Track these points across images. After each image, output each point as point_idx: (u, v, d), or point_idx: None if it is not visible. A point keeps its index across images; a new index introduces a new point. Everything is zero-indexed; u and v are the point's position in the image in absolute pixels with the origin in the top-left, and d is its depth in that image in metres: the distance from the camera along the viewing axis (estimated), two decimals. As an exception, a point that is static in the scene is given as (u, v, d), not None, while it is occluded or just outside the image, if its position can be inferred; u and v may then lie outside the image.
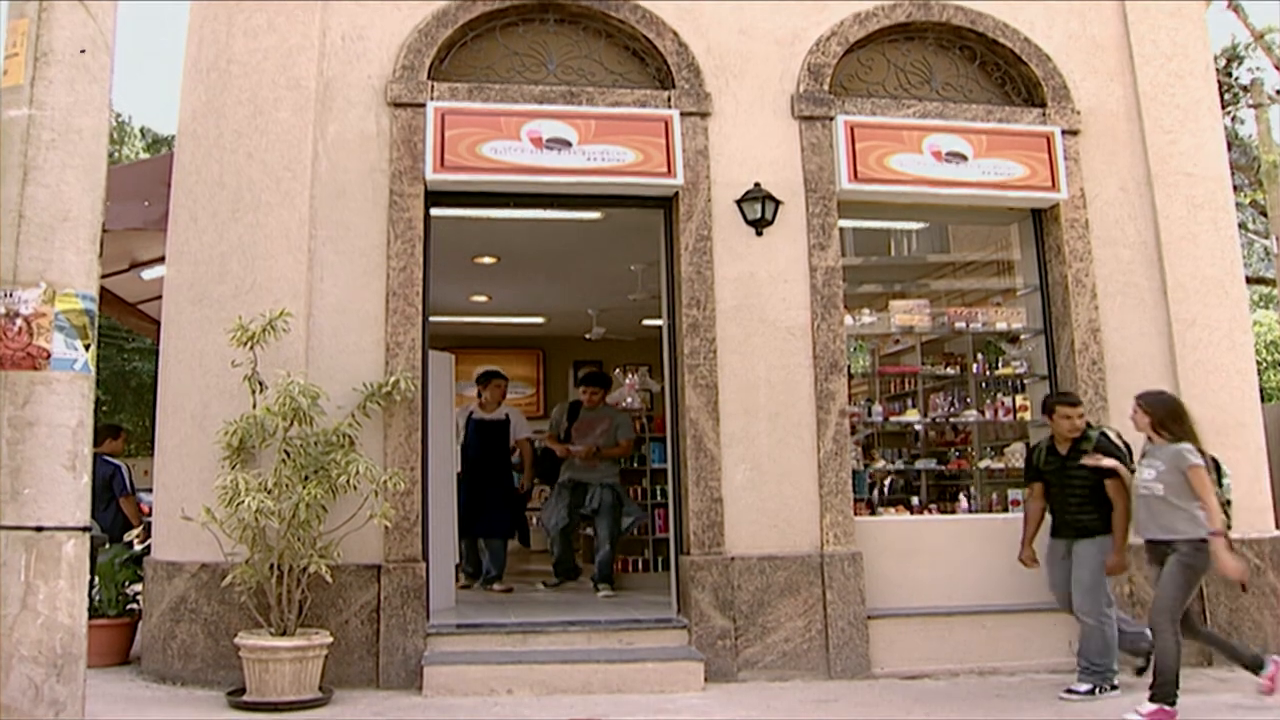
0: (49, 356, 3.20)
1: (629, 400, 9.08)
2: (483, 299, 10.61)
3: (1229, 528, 5.13)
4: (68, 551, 3.18)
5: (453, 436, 7.70)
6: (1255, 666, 5.33)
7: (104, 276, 8.49)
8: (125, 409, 24.72)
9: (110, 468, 7.56)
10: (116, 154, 24.16)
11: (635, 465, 8.74)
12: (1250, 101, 16.07)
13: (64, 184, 3.24)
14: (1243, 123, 16.97)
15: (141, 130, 25.94)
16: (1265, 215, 17.10)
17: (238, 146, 6.12)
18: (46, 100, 3.22)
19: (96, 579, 6.28)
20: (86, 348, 3.32)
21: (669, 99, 6.46)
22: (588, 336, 11.36)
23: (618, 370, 9.62)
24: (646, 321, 10.42)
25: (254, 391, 5.50)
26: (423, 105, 6.21)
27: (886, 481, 7.23)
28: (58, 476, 3.19)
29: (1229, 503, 5.32)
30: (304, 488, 5.25)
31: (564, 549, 8.19)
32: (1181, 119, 6.97)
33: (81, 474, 3.25)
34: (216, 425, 5.59)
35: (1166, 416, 5.30)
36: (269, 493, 5.19)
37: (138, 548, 6.53)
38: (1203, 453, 5.18)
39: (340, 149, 6.17)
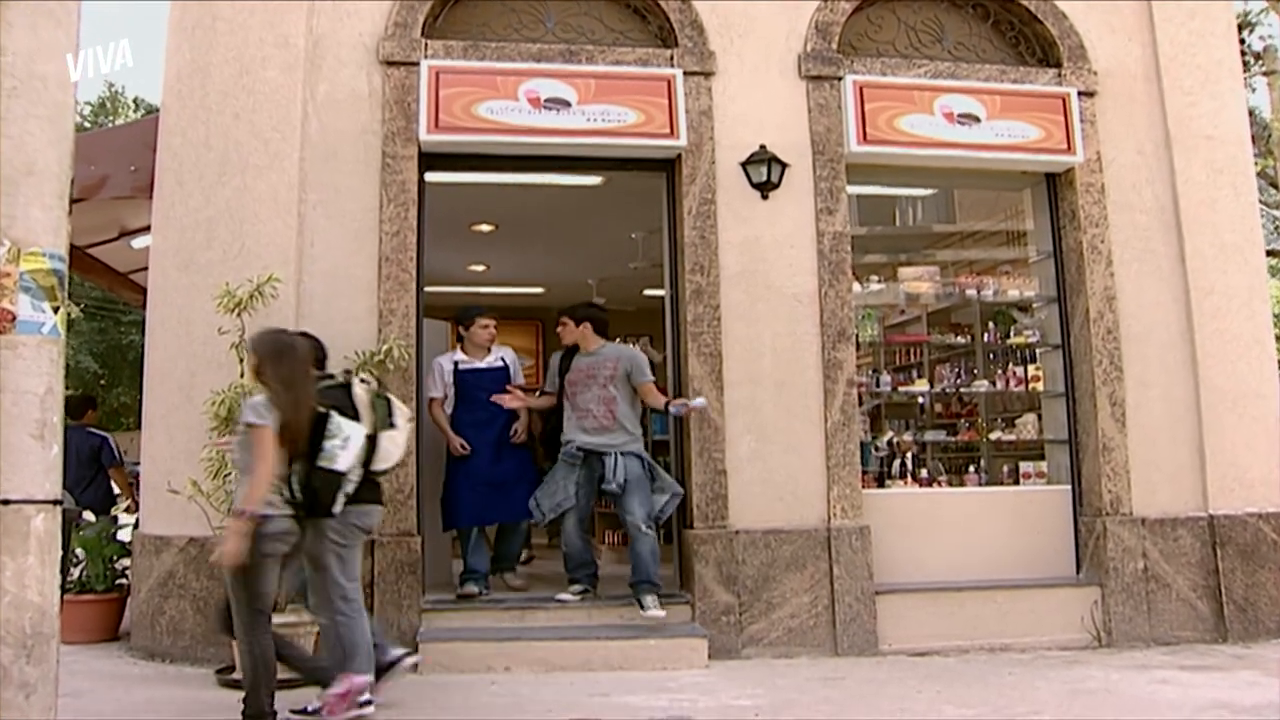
0: (14, 319, 3.00)
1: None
2: (480, 268, 10.42)
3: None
4: (36, 526, 2.99)
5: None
6: (323, 680, 4.35)
7: (93, 245, 8.47)
8: (122, 382, 24.57)
9: (97, 439, 7.40)
10: (110, 124, 23.85)
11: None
12: (1262, 69, 15.78)
13: (27, 135, 3.02)
14: (1253, 90, 16.67)
15: (135, 100, 25.64)
16: (1275, 186, 16.85)
17: (224, 107, 5.90)
18: (6, 45, 2.99)
19: (83, 553, 6.15)
20: (55, 310, 3.11)
21: (671, 58, 6.23)
22: (588, 307, 11.14)
23: (618, 340, 9.37)
24: (648, 291, 10.22)
25: (242, 360, 5.30)
26: (416, 64, 5.98)
27: (895, 453, 7.03)
28: (25, 447, 3.00)
29: (330, 473, 4.24)
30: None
31: (580, 543, 5.95)
32: (1202, 80, 6.74)
33: (51, 444, 3.06)
34: (204, 395, 5.39)
35: (266, 358, 4.23)
36: (257, 464, 5.00)
37: (128, 519, 6.38)
38: (334, 409, 4.27)
39: (331, 109, 5.96)
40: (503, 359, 6.44)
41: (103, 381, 25.22)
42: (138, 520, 6.09)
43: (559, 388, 6.11)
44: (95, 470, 7.26)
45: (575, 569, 5.92)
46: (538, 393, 6.45)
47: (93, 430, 7.47)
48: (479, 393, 6.22)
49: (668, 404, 5.87)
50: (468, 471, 6.14)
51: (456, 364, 6.33)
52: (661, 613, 5.55)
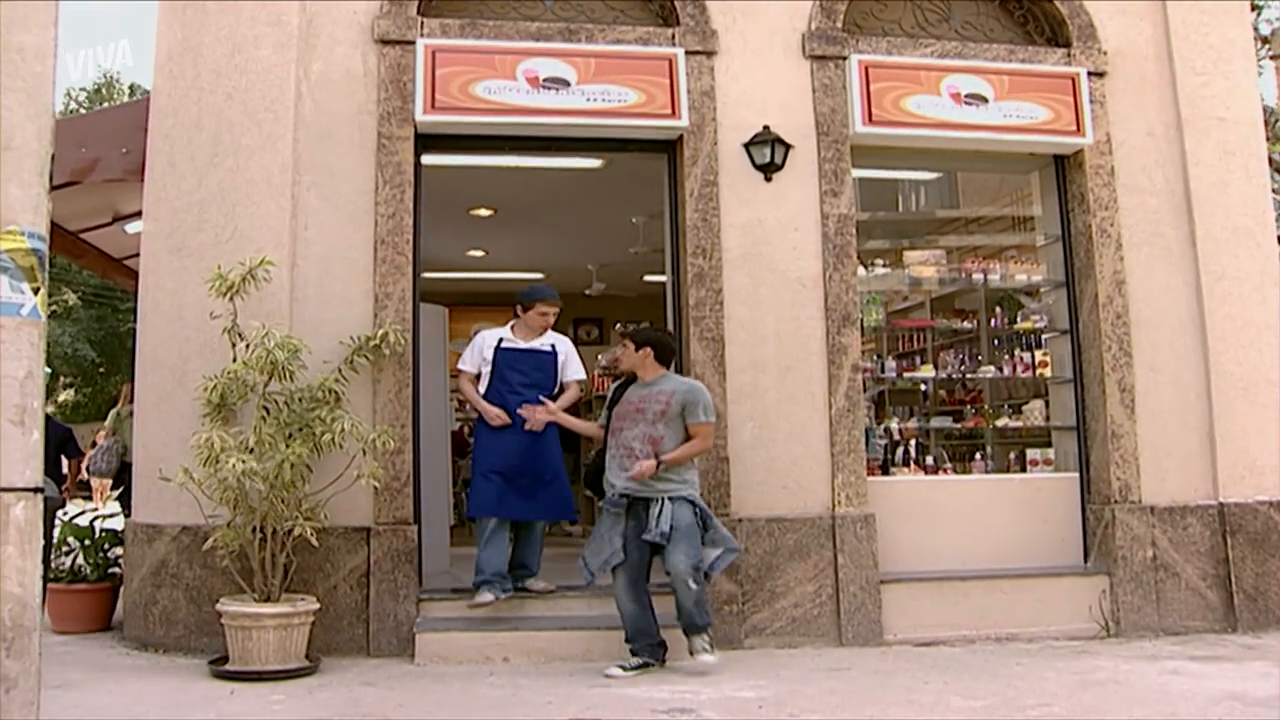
0: (-8, 300, 2.89)
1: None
2: (479, 253, 10.30)
3: None
4: (17, 515, 2.89)
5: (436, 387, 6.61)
6: None
7: (87, 230, 8.35)
8: (121, 371, 24.47)
9: (62, 430, 7.35)
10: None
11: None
12: (1270, 53, 15.62)
13: (4, 109, 2.90)
14: (1261, 74, 16.51)
15: (131, 87, 25.46)
16: (1281, 172, 16.71)
17: (216, 86, 5.77)
18: (-19, 14, 2.88)
19: (76, 542, 6.06)
20: (35, 291, 3.00)
21: (673, 37, 6.10)
22: (588, 292, 11.05)
23: (618, 325, 9.25)
24: (648, 277, 10.11)
25: (234, 345, 5.20)
26: (412, 43, 5.84)
27: (899, 440, 6.91)
28: (5, 433, 2.89)
29: None
30: (288, 447, 4.96)
31: (635, 606, 5.11)
32: (1214, 60, 6.61)
33: (31, 430, 2.95)
34: (196, 381, 5.30)
35: None
36: (250, 451, 4.90)
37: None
38: None
39: (325, 89, 5.82)
40: (554, 345, 5.78)
41: (101, 370, 25.13)
42: (129, 508, 6.00)
43: (608, 420, 5.37)
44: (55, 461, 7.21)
45: (634, 636, 5.12)
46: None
47: (56, 421, 7.45)
48: (515, 375, 5.67)
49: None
50: (491, 458, 5.58)
51: (501, 340, 5.75)
52: (712, 658, 4.97)
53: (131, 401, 8.09)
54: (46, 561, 6.12)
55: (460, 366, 5.83)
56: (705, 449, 5.22)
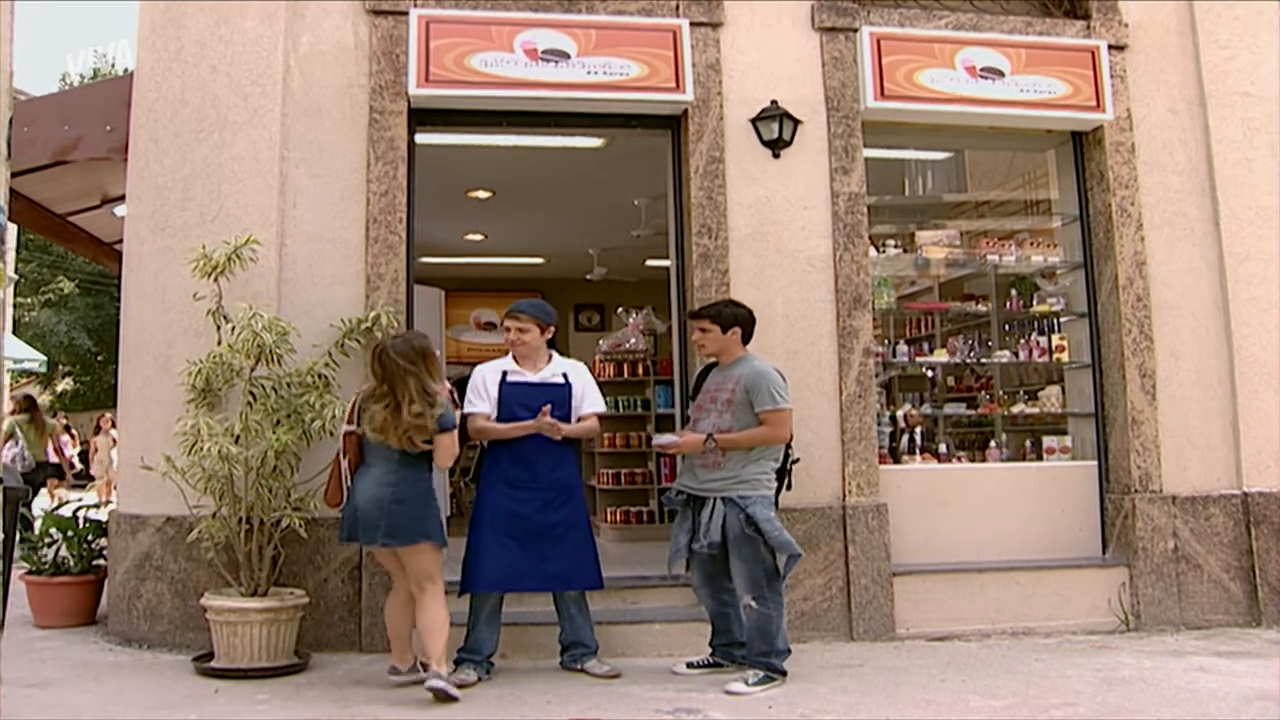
0: (-57, 275, 2.68)
1: (633, 341, 8.46)
2: (478, 238, 10.07)
3: None
4: (-28, 505, 2.69)
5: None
6: None
7: (75, 213, 8.11)
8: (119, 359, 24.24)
9: None
10: (101, 95, 23.43)
11: (639, 410, 8.14)
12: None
13: (-45, 67, 2.70)
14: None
15: (126, 71, 25.26)
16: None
17: (201, 59, 5.54)
18: (-71, -37, 2.66)
19: (58, 534, 5.86)
20: (-8, 265, 2.79)
21: (677, 7, 5.86)
22: (589, 277, 10.85)
23: (620, 310, 9.01)
24: (650, 262, 9.90)
25: (219, 327, 4.98)
26: (405, 13, 5.61)
27: (905, 427, 6.68)
28: (-41, 417, 2.69)
29: None
30: (275, 434, 4.75)
31: (711, 602, 4.81)
32: (1239, 33, 6.37)
33: (-12, 415, 2.75)
34: (180, 365, 5.08)
35: None
36: (235, 438, 4.69)
37: None
38: None
39: (314, 62, 5.59)
40: (565, 376, 4.84)
41: (99, 358, 24.91)
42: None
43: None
44: None
45: (712, 634, 4.88)
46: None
47: None
48: (527, 415, 4.70)
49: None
50: (504, 517, 4.66)
51: (505, 374, 4.80)
52: (745, 693, 4.41)
53: (24, 411, 9.29)
54: (9, 555, 5.94)
55: (472, 410, 4.74)
56: (774, 438, 4.61)
